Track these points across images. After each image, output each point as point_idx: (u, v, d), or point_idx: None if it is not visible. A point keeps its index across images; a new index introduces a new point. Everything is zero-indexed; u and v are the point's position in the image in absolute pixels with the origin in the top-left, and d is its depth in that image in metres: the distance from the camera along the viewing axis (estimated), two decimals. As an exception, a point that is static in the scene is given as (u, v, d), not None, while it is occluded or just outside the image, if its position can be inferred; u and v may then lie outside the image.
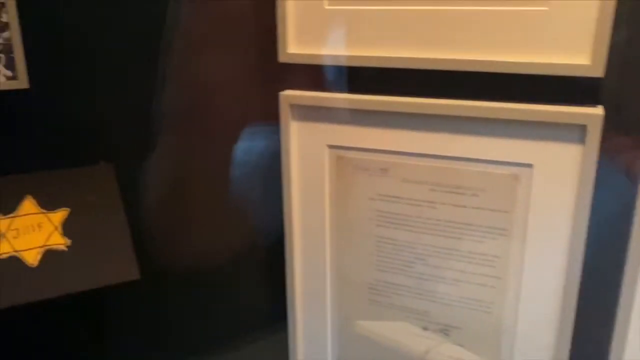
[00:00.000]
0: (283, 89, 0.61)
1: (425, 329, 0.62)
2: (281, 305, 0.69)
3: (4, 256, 0.63)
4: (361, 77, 0.58)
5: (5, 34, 0.70)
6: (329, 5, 0.56)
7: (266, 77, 0.63)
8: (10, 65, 0.71)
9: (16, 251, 0.64)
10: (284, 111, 0.60)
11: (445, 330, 0.61)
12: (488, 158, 0.54)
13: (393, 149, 0.57)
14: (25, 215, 0.67)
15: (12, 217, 0.66)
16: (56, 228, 0.67)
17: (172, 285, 0.76)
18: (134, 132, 0.76)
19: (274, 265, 0.71)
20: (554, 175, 0.52)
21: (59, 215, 0.68)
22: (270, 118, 0.62)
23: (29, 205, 0.68)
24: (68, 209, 0.69)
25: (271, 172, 0.65)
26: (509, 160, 0.53)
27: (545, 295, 0.55)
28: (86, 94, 0.75)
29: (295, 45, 0.58)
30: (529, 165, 0.53)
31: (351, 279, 0.63)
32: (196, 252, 0.76)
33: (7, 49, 0.71)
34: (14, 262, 0.63)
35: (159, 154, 0.75)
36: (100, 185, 0.73)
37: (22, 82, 0.72)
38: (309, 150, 0.61)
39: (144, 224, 0.73)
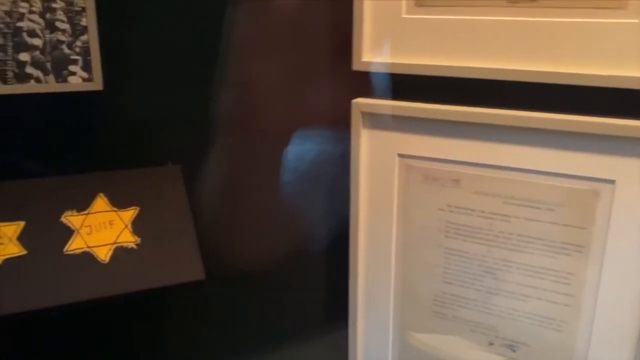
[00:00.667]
0: (355, 97, 0.61)
1: (491, 344, 0.60)
2: (342, 312, 0.69)
3: (78, 251, 0.65)
4: (435, 87, 0.58)
5: (84, 37, 0.73)
6: (407, 14, 0.56)
7: (338, 84, 0.64)
8: (86, 67, 0.74)
9: (89, 247, 0.66)
10: (355, 119, 0.60)
11: (512, 347, 0.59)
12: (567, 172, 0.53)
13: (466, 160, 0.56)
14: (97, 212, 0.69)
15: (85, 214, 0.68)
16: (126, 226, 0.69)
17: (229, 285, 0.77)
18: (200, 135, 0.78)
19: (336, 270, 0.72)
20: (637, 192, 0.50)
21: (130, 214, 0.70)
22: (339, 124, 0.62)
23: (101, 203, 0.70)
24: (138, 208, 0.71)
25: (338, 177, 0.65)
26: (589, 176, 0.52)
27: (622, 316, 0.53)
28: (156, 96, 0.77)
29: (370, 53, 0.58)
30: (611, 182, 0.51)
31: (415, 289, 0.63)
32: (256, 254, 0.77)
33: (85, 52, 0.73)
34: (87, 258, 0.65)
35: (227, 157, 0.77)
36: (167, 186, 0.74)
37: (97, 84, 0.75)
38: (379, 158, 0.60)
39: (206, 224, 0.74)
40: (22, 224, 0.65)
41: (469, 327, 0.61)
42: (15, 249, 0.63)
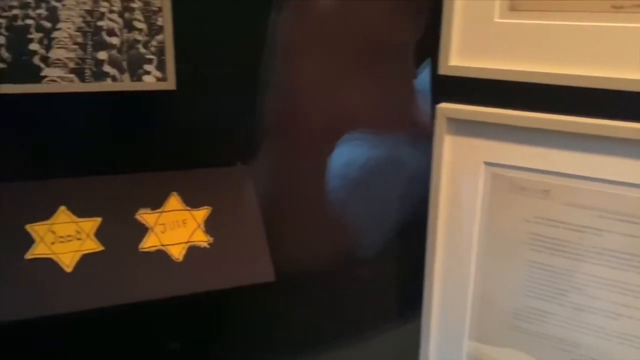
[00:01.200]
0: (439, 102, 0.59)
1: (574, 362, 0.58)
2: (413, 319, 0.68)
3: (152, 249, 0.66)
4: (525, 93, 0.56)
5: (160, 37, 0.73)
6: (500, 18, 0.54)
7: (422, 88, 0.62)
8: (161, 67, 0.74)
9: (163, 245, 0.66)
10: (440, 124, 0.58)
11: (597, 366, 0.57)
12: (669, 186, 0.50)
13: (557, 170, 0.54)
14: (171, 211, 0.69)
15: (159, 212, 0.69)
16: (199, 225, 0.69)
17: (290, 287, 0.76)
18: (268, 136, 0.78)
19: (407, 275, 0.70)
20: None
21: (202, 213, 0.70)
22: (422, 129, 0.61)
23: (174, 201, 0.70)
24: (210, 208, 0.71)
25: (412, 181, 0.64)
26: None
27: None
28: (226, 97, 0.77)
29: (458, 57, 0.56)
30: None
31: (495, 301, 0.61)
32: (320, 257, 0.76)
33: (160, 52, 0.74)
34: (161, 256, 0.66)
35: (293, 158, 0.76)
36: (237, 187, 0.75)
37: (170, 84, 0.75)
38: (463, 165, 0.59)
39: (270, 225, 0.74)
40: (99, 220, 0.66)
41: (550, 343, 0.59)
42: (93, 245, 0.64)
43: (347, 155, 0.74)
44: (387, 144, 0.71)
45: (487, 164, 0.57)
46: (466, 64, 0.56)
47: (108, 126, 0.73)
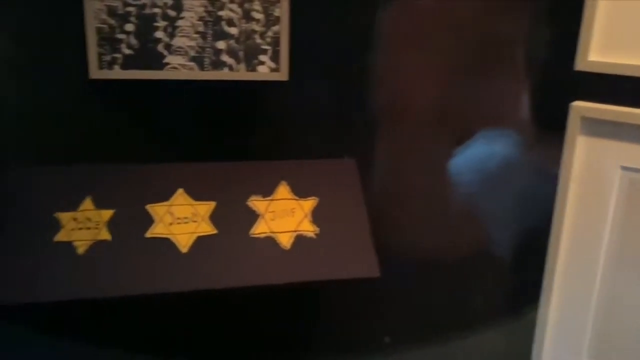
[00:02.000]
0: (572, 100, 0.56)
1: None
2: (526, 322, 0.64)
3: (262, 235, 0.67)
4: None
5: (276, 28, 0.74)
6: (651, 10, 0.50)
7: (555, 85, 0.59)
8: (275, 57, 0.75)
9: (272, 232, 0.67)
10: (573, 123, 0.55)
11: None
12: None
13: None
14: (280, 199, 0.70)
15: (269, 199, 0.70)
16: (306, 215, 0.69)
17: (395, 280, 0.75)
18: (378, 130, 0.77)
19: (528, 276, 0.67)
20: None
21: (310, 203, 0.70)
22: (553, 127, 0.58)
23: (284, 190, 0.71)
24: (317, 198, 0.71)
25: (541, 182, 0.61)
26: None
27: None
28: (337, 90, 0.77)
29: (599, 52, 0.52)
30: None
31: (621, 318, 0.56)
32: (430, 251, 0.74)
33: (275, 42, 0.75)
34: (270, 243, 0.67)
35: (404, 154, 0.75)
36: (343, 179, 0.74)
37: (283, 75, 0.76)
38: (596, 168, 0.55)
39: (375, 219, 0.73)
40: (213, 204, 0.68)
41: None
42: (207, 228, 0.66)
43: (468, 153, 0.71)
44: (508, 142, 0.68)
45: (624, 168, 0.53)
46: (608, 60, 0.52)
47: (221, 114, 0.75)
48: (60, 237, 0.62)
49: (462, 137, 0.72)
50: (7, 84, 0.67)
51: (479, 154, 0.70)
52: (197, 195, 0.68)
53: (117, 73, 0.71)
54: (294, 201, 0.70)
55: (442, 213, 0.75)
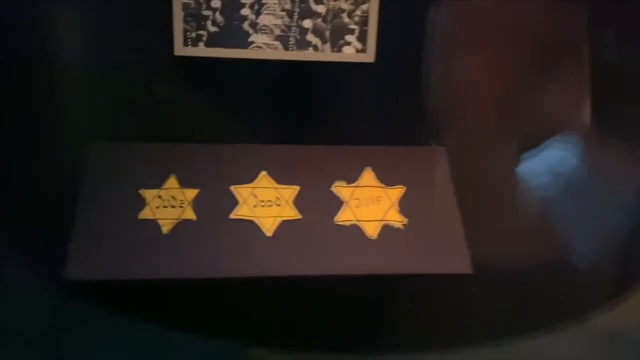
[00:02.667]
0: None
1: None
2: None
3: (347, 223, 0.64)
4: None
5: (364, 7, 0.71)
6: None
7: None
8: (362, 38, 0.72)
9: (358, 220, 0.64)
10: None
11: None
12: None
13: None
14: (365, 186, 0.67)
15: (354, 186, 0.66)
16: (393, 204, 0.66)
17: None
18: (467, 119, 0.73)
19: (612, 288, 0.62)
20: None
21: (397, 192, 0.67)
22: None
23: (369, 177, 0.68)
24: (404, 187, 0.67)
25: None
26: None
27: None
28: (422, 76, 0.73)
29: None
30: None
31: None
32: (514, 253, 0.69)
33: (363, 22, 0.71)
34: (355, 231, 0.64)
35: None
36: (432, 168, 0.70)
37: (370, 56, 0.72)
38: None
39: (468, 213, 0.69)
40: (297, 188, 0.65)
41: None
42: (292, 212, 0.63)
43: (552, 155, 0.67)
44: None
45: None
46: None
47: (304, 96, 0.72)
48: (144, 214, 0.60)
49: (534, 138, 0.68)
50: (90, 56, 0.66)
51: (553, 157, 0.66)
52: (280, 178, 0.66)
53: (202, 50, 0.69)
54: (380, 189, 0.67)
55: (531, 214, 0.70)
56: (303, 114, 0.72)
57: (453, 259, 0.63)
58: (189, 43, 0.69)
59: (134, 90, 0.68)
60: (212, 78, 0.70)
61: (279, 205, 0.63)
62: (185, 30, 0.68)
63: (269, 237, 0.61)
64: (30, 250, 0.57)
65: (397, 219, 0.65)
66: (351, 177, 0.67)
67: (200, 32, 0.68)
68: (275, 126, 0.71)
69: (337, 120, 0.72)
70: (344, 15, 0.71)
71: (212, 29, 0.69)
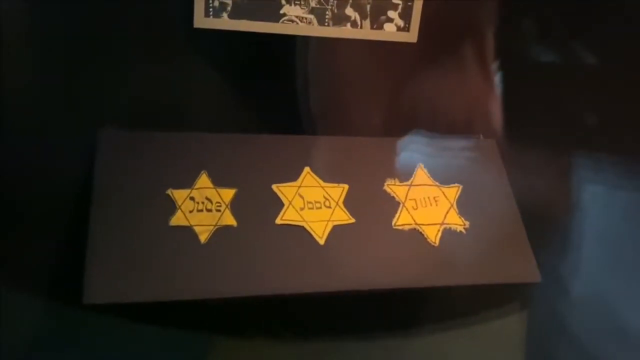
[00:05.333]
0: None
1: None
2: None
3: (406, 227, 0.56)
4: None
5: (410, -18, 0.62)
6: None
7: None
8: (405, 15, 0.64)
9: (417, 224, 0.56)
10: None
11: None
12: None
13: None
14: (420, 185, 0.59)
15: (407, 185, 0.59)
16: (452, 205, 0.59)
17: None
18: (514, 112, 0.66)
19: None
20: None
21: (454, 191, 0.60)
22: None
23: (422, 174, 0.60)
24: (460, 186, 0.60)
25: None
26: None
27: None
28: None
29: None
30: None
31: None
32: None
33: (407, -3, 0.63)
34: (416, 236, 0.56)
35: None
36: (485, 163, 0.63)
37: (412, 36, 0.65)
38: None
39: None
40: (346, 187, 0.57)
41: None
42: (344, 216, 0.55)
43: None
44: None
45: None
46: None
47: (343, 78, 0.63)
48: (177, 220, 0.50)
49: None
50: (103, 28, 0.54)
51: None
52: (325, 175, 0.57)
53: (225, 22, 0.59)
54: (435, 188, 0.59)
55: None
56: (342, 100, 0.63)
57: (521, 266, 0.57)
58: (211, 13, 0.58)
59: (147, 68, 0.56)
60: (238, 55, 0.60)
61: (328, 207, 0.55)
62: (207, -1, 0.57)
63: (322, 246, 0.52)
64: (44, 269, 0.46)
65: (458, 222, 0.58)
66: (403, 174, 0.59)
67: (225, 0, 0.58)
68: (312, 114, 0.62)
69: (376, 108, 0.64)
70: (388, -12, 0.62)
71: (239, -3, 0.58)
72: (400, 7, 0.63)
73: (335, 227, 0.54)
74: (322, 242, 0.53)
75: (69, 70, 0.51)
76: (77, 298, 0.44)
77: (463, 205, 0.59)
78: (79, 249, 0.45)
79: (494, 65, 0.65)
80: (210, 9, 0.58)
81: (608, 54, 0.65)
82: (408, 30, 0.65)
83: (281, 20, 0.61)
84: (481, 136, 0.65)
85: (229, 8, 0.59)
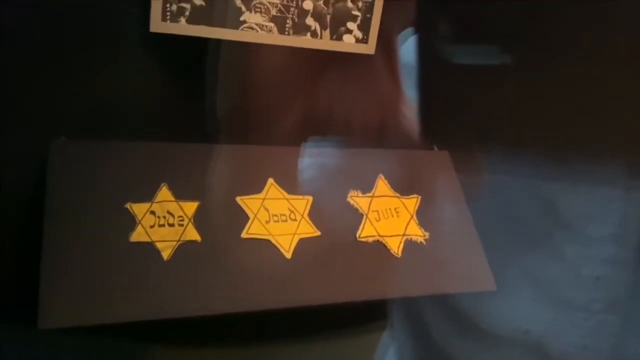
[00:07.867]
0: None
1: None
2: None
3: (370, 239, 0.56)
4: None
5: (370, -8, 0.63)
6: None
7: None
8: (364, 26, 0.65)
9: (380, 236, 0.57)
10: None
11: None
12: None
13: None
14: (381, 196, 0.60)
15: (370, 196, 0.59)
16: (412, 216, 0.60)
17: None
18: (469, 122, 0.69)
19: None
20: None
21: (413, 202, 0.61)
22: None
23: (383, 185, 0.61)
24: (419, 196, 0.61)
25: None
26: None
27: None
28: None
29: None
30: None
31: None
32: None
33: (367, 8, 0.64)
34: (380, 248, 0.56)
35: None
36: (439, 174, 0.65)
37: (370, 47, 0.66)
38: None
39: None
40: (310, 198, 0.56)
41: None
42: (309, 228, 0.55)
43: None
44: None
45: None
46: None
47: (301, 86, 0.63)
48: (137, 236, 0.47)
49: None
50: (57, 33, 0.50)
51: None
52: (289, 187, 0.56)
53: (183, 28, 0.57)
54: (396, 199, 0.60)
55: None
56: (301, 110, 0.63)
57: (477, 275, 0.59)
58: (168, 17, 0.56)
59: (100, 74, 0.53)
60: (192, 61, 0.58)
61: (294, 220, 0.54)
62: (164, 2, 0.55)
63: (289, 260, 0.52)
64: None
65: (418, 234, 0.59)
66: (365, 186, 0.60)
67: (183, 4, 0.56)
68: (274, 121, 0.61)
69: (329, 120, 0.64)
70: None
71: (198, 1, 0.57)
72: (359, 19, 0.64)
73: (301, 240, 0.53)
74: (288, 255, 0.52)
75: (18, 77, 0.46)
76: (31, 323, 0.40)
77: (422, 216, 0.60)
78: (31, 269, 0.42)
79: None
80: (168, 13, 0.56)
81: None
82: (366, 43, 0.65)
83: (241, 28, 0.59)
84: (435, 147, 0.67)
85: (187, 13, 0.57)
